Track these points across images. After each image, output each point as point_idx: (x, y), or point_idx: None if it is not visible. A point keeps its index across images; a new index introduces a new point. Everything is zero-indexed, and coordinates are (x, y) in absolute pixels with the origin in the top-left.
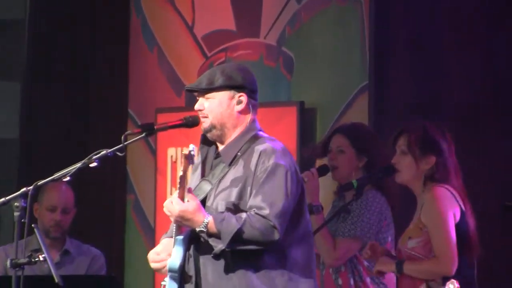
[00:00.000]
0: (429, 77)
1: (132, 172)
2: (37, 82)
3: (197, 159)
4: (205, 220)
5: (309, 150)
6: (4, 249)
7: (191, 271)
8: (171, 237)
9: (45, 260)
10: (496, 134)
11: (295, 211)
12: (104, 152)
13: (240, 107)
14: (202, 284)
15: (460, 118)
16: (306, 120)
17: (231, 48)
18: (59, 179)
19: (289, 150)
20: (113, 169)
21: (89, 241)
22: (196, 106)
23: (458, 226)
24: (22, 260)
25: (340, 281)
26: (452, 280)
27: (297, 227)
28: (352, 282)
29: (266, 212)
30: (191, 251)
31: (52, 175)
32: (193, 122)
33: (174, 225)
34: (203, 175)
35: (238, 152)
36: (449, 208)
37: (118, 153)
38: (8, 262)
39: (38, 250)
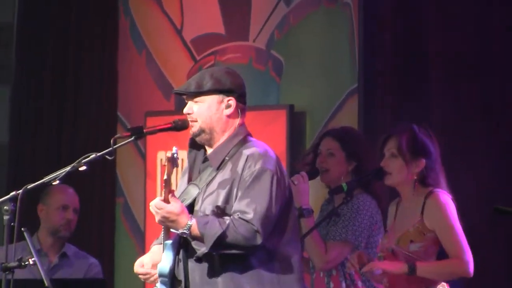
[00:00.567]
0: (419, 80)
1: (122, 175)
2: (26, 85)
3: (185, 164)
4: (188, 223)
5: (300, 159)
6: None
7: (180, 275)
8: (161, 243)
9: (35, 264)
10: (483, 138)
11: (282, 215)
12: (93, 155)
13: (229, 111)
14: (191, 287)
15: (448, 122)
16: (296, 124)
17: (220, 51)
18: (49, 182)
19: (279, 153)
20: (103, 173)
21: (79, 244)
22: (185, 110)
23: None
24: (12, 264)
25: (331, 285)
26: (443, 283)
27: (284, 231)
28: (344, 285)
29: (249, 216)
30: (180, 256)
31: (41, 179)
32: (182, 126)
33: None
34: (190, 179)
35: (226, 156)
36: (455, 212)
37: (107, 156)
38: None
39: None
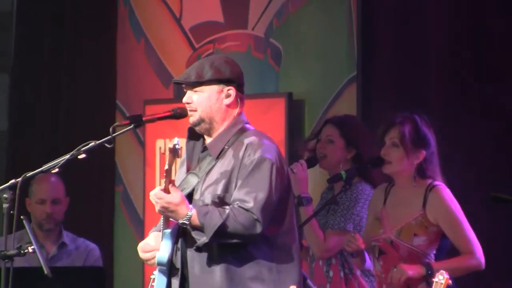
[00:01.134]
0: (417, 67)
1: (121, 163)
2: (25, 74)
3: (183, 154)
4: (188, 213)
5: (302, 145)
6: None
7: (178, 264)
8: (160, 231)
9: (34, 252)
10: (479, 127)
11: (281, 204)
12: (92, 143)
13: (229, 100)
14: (190, 277)
15: (446, 111)
16: (294, 112)
17: (219, 39)
18: (48, 170)
19: (277, 141)
20: (102, 161)
21: (78, 233)
22: (184, 99)
23: None
24: (12, 252)
25: (331, 273)
26: (442, 271)
27: (284, 220)
28: (342, 274)
29: (249, 205)
30: (179, 245)
31: (40, 167)
32: (181, 114)
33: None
34: (188, 169)
35: (225, 145)
36: (459, 206)
37: (106, 144)
38: None
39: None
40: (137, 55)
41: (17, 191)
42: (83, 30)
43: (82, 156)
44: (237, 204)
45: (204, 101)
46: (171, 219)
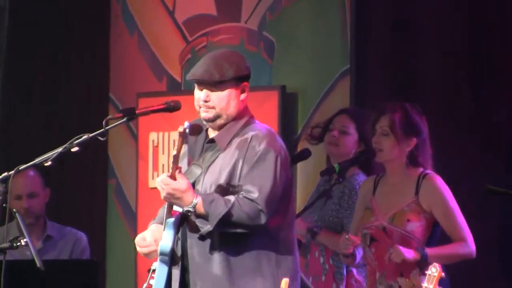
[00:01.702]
0: (410, 61)
1: (114, 156)
2: (18, 68)
3: (184, 148)
4: (194, 201)
5: (308, 132)
6: None
7: (179, 253)
8: (160, 223)
9: (27, 245)
10: (473, 119)
11: (285, 196)
12: (85, 136)
13: (244, 95)
14: (190, 265)
15: (440, 100)
16: (288, 105)
17: (212, 32)
18: (41, 164)
19: None
20: (95, 154)
21: (70, 226)
22: (202, 98)
23: None
24: (4, 245)
25: (327, 266)
26: (435, 263)
27: (287, 211)
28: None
29: (254, 196)
30: (179, 234)
31: (33, 160)
32: (175, 107)
33: (164, 209)
34: (189, 162)
35: (232, 137)
36: (452, 195)
37: (99, 137)
38: None
39: (19, 237)
40: (130, 48)
41: (9, 184)
42: (76, 23)
43: (75, 149)
44: (242, 194)
45: (224, 99)
46: (175, 206)
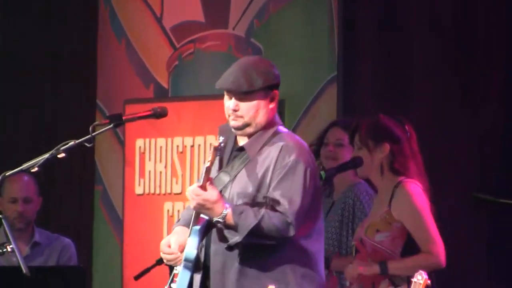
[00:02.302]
0: (398, 68)
1: (100, 163)
2: (6, 72)
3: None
4: (224, 212)
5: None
6: None
7: (201, 259)
8: (185, 225)
9: (13, 251)
10: (462, 126)
11: (313, 207)
12: (72, 143)
13: (273, 104)
14: (211, 274)
15: (427, 110)
16: None
17: (199, 39)
18: (27, 169)
19: None
20: (81, 160)
21: (57, 232)
22: (232, 107)
23: None
24: None
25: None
26: (420, 271)
27: (315, 223)
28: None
29: (283, 208)
30: (203, 242)
31: (20, 166)
32: (161, 113)
33: (189, 214)
34: (220, 167)
35: (262, 145)
36: (425, 202)
37: (86, 144)
38: None
39: (5, 243)
40: (118, 55)
41: None
42: (64, 29)
43: (62, 155)
44: (271, 205)
45: (253, 109)
46: (203, 216)
